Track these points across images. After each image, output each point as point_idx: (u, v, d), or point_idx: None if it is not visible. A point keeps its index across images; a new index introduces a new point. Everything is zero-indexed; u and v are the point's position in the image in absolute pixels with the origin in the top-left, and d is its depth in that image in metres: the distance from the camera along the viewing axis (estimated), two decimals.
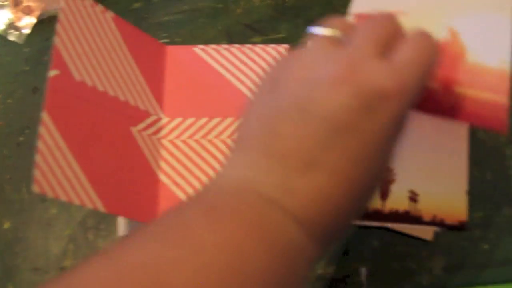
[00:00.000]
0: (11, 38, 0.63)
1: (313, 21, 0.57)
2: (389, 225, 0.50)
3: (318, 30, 0.32)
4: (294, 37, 0.58)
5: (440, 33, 0.39)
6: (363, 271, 0.50)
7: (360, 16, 0.41)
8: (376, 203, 0.49)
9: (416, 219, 0.49)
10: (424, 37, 0.32)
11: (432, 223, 0.49)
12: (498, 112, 0.37)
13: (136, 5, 0.62)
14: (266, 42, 0.58)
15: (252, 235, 0.24)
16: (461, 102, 0.37)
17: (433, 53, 0.31)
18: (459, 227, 0.49)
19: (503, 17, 0.40)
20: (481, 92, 0.37)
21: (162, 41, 0.59)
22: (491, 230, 0.50)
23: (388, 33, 0.31)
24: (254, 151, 0.27)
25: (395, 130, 0.28)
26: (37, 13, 0.63)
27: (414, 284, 0.49)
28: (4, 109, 0.60)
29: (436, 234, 0.50)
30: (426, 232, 0.50)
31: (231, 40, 0.58)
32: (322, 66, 0.28)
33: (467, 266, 0.49)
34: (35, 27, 0.63)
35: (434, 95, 0.37)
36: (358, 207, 0.29)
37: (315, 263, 0.26)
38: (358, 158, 0.26)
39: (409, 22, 0.39)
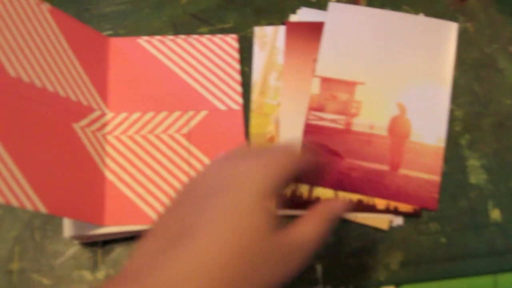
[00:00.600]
0: None
1: (260, 10, 0.58)
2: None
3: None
4: (242, 26, 0.57)
5: (391, 108, 0.52)
6: (319, 268, 0.50)
7: (325, 80, 0.46)
8: (329, 194, 0.50)
9: (370, 208, 0.50)
10: None
11: (387, 211, 0.49)
12: (433, 191, 0.50)
13: None
14: (213, 32, 0.57)
15: None
16: (405, 184, 0.44)
17: None
18: (413, 215, 0.50)
19: (443, 90, 0.47)
20: (420, 173, 0.47)
21: (105, 33, 0.58)
22: (448, 224, 0.50)
23: None
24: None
25: None
26: None
27: (371, 281, 0.49)
28: None
29: (392, 229, 0.50)
30: (381, 222, 0.50)
31: (177, 31, 0.57)
32: None
33: (425, 260, 0.49)
34: None
35: (383, 178, 0.45)
36: None
37: None
38: None
39: (365, 92, 0.49)
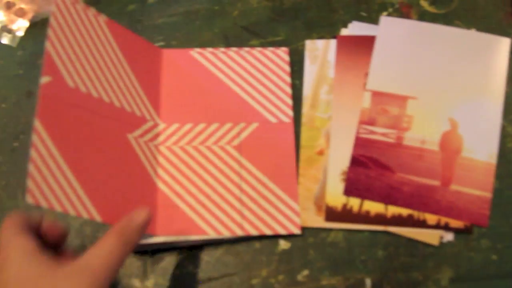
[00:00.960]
0: (4, 41, 0.65)
1: (311, 24, 0.60)
2: (393, 229, 0.52)
3: None
4: (292, 39, 0.59)
5: (443, 123, 0.53)
6: (368, 282, 0.51)
7: (376, 94, 0.48)
8: (379, 207, 0.51)
9: (420, 223, 0.51)
10: None
11: (437, 226, 0.51)
12: (484, 208, 0.51)
13: (131, 7, 0.63)
14: (264, 45, 0.59)
15: None
16: (456, 200, 0.46)
17: None
18: (464, 231, 0.51)
19: (495, 106, 0.48)
20: (472, 189, 0.47)
21: (157, 44, 0.60)
22: (499, 241, 0.51)
23: None
24: None
25: None
26: (30, 15, 0.65)
27: None
28: None
29: (443, 245, 0.51)
30: (432, 237, 0.51)
31: (228, 43, 0.60)
32: None
33: (475, 277, 0.50)
34: (28, 30, 0.65)
35: (434, 193, 0.47)
36: None
37: None
38: None
39: (416, 106, 0.50)
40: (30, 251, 0.37)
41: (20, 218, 0.40)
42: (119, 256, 0.38)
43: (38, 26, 0.64)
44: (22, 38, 0.64)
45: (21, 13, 0.63)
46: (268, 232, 0.50)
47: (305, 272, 0.51)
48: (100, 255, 0.37)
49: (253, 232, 0.50)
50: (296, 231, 0.51)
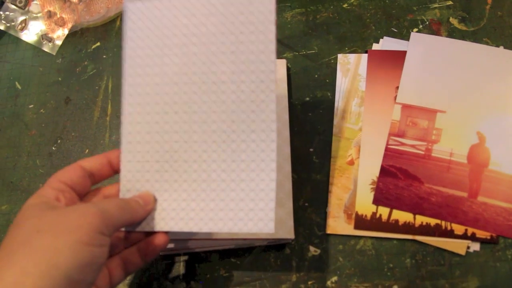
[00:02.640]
0: (45, 48, 0.70)
1: (343, 38, 0.64)
2: (421, 238, 0.55)
3: None
4: (325, 53, 0.63)
5: (471, 136, 0.56)
6: None
7: (406, 107, 0.53)
8: (408, 217, 0.55)
9: (447, 232, 0.54)
10: None
11: (464, 236, 0.54)
12: (510, 219, 0.53)
13: None
14: (297, 57, 0.64)
15: None
16: (483, 211, 0.50)
17: None
18: (491, 241, 0.54)
19: None
20: (498, 201, 0.49)
21: None
22: None
23: None
24: None
25: None
26: (69, 25, 0.70)
27: None
28: (37, 119, 0.66)
29: (469, 254, 0.54)
30: (458, 246, 0.55)
31: None
32: None
33: (501, 287, 0.53)
34: (67, 39, 0.70)
35: (461, 204, 0.51)
36: None
37: None
38: None
39: (445, 119, 0.54)
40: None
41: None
42: (123, 214, 0.42)
43: (77, 35, 0.69)
44: (61, 46, 0.68)
45: (61, 22, 0.68)
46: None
47: (334, 278, 0.54)
48: (110, 203, 0.41)
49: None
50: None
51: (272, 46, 0.45)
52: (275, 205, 0.44)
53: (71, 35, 0.68)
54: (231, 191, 0.45)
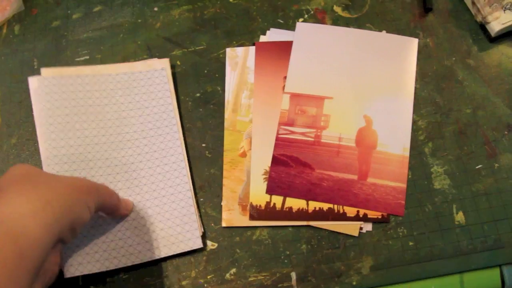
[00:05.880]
0: None
1: (231, 32, 0.62)
2: (315, 223, 0.53)
3: None
4: (214, 48, 0.60)
5: (358, 120, 0.56)
6: (293, 275, 0.52)
7: (294, 95, 0.51)
8: (301, 203, 0.53)
9: (340, 215, 0.53)
10: None
11: (356, 218, 0.53)
12: (400, 198, 0.53)
13: (55, 23, 0.64)
14: (186, 54, 0.61)
15: None
16: (373, 192, 0.49)
17: None
18: (382, 221, 0.53)
19: (406, 102, 0.51)
20: (388, 181, 0.48)
21: (82, 58, 0.61)
22: (415, 228, 0.53)
23: None
24: None
25: None
26: None
27: (344, 285, 0.51)
28: None
29: (362, 235, 0.53)
30: (352, 228, 0.53)
31: (151, 54, 0.61)
32: None
33: (394, 264, 0.52)
34: None
35: (352, 187, 0.49)
36: None
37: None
38: None
39: (333, 105, 0.53)
40: None
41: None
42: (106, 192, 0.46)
43: None
44: None
45: None
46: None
47: (233, 270, 0.52)
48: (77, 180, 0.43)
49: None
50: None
51: (171, 107, 0.56)
52: (196, 224, 0.52)
53: None
54: (159, 222, 0.52)
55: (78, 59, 0.60)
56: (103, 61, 0.58)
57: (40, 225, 0.36)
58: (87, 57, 0.60)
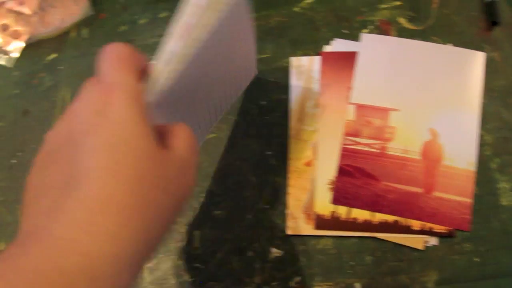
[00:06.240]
0: (0, 62, 0.66)
1: (296, 41, 0.62)
2: (380, 235, 0.53)
3: None
4: (278, 56, 0.60)
5: (424, 133, 0.55)
6: (358, 286, 0.52)
7: (360, 106, 0.56)
8: (366, 214, 0.53)
9: (405, 228, 0.53)
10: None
11: (422, 231, 0.52)
12: (465, 213, 0.52)
13: (122, 28, 0.65)
14: None
15: None
16: (439, 206, 0.48)
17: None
18: (448, 235, 0.52)
19: (472, 116, 0.51)
20: (453, 196, 0.47)
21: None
22: (481, 244, 0.53)
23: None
24: None
25: None
26: (25, 37, 0.66)
27: None
28: None
29: (428, 249, 0.53)
30: (417, 242, 0.53)
31: None
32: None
33: (459, 280, 0.51)
34: (24, 51, 0.67)
35: (418, 200, 0.49)
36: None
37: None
38: None
39: (398, 117, 0.53)
40: (137, 104, 0.31)
41: (128, 52, 0.34)
42: (197, 148, 0.36)
43: (33, 47, 0.65)
44: (17, 59, 0.65)
45: (16, 35, 0.65)
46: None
47: (297, 279, 0.52)
48: (184, 146, 0.34)
49: None
50: None
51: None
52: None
53: (27, 47, 0.65)
54: None
55: None
56: None
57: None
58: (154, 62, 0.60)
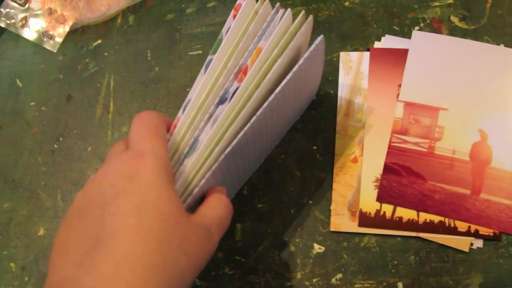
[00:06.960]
0: (45, 46, 0.66)
1: (345, 36, 0.61)
2: (425, 235, 0.52)
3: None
4: (327, 51, 0.60)
5: (473, 134, 0.54)
6: (400, 285, 0.52)
7: (408, 104, 0.54)
8: (411, 214, 0.52)
9: (451, 229, 0.52)
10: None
11: (467, 233, 0.52)
12: None
13: (169, 16, 0.65)
14: None
15: None
16: (486, 208, 0.47)
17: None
18: (494, 238, 0.52)
19: None
20: (501, 199, 0.47)
21: (195, 52, 0.62)
22: None
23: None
24: None
25: None
26: (70, 22, 0.66)
27: None
28: (39, 116, 0.63)
29: (473, 251, 0.52)
30: (462, 243, 0.52)
31: None
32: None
33: (504, 283, 0.50)
34: (68, 36, 0.67)
35: (464, 201, 0.48)
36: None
37: None
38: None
39: (447, 117, 0.52)
40: (165, 170, 0.34)
41: (158, 121, 0.37)
42: (228, 219, 0.39)
43: (78, 33, 0.65)
44: (62, 43, 0.65)
45: (62, 20, 0.65)
46: None
47: (339, 276, 0.51)
48: (212, 216, 0.37)
49: None
50: None
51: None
52: None
53: (72, 32, 0.65)
54: None
55: (191, 53, 0.60)
56: None
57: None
58: (200, 51, 0.60)
